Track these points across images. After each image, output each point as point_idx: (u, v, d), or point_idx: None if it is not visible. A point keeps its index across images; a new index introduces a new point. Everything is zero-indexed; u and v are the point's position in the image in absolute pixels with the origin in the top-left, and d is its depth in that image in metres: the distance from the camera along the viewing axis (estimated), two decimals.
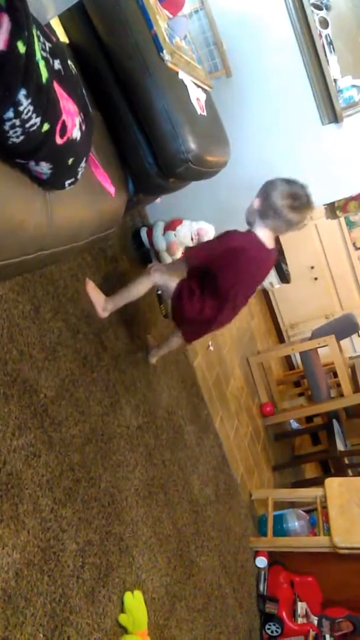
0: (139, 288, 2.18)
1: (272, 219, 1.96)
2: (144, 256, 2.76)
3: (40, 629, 1.37)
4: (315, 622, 2.77)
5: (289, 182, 1.95)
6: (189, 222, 2.70)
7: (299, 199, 1.91)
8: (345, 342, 4.87)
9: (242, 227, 2.85)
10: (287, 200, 1.90)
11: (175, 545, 2.18)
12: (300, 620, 2.74)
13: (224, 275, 2.05)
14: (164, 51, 1.75)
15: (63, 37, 1.72)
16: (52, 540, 1.50)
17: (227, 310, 2.16)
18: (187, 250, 2.26)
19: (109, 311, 2.09)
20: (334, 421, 4.56)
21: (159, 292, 2.63)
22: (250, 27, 2.61)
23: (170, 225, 2.69)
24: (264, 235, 2.02)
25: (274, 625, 2.68)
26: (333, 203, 3.69)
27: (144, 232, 2.71)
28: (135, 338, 2.43)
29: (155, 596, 1.94)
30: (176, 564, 2.14)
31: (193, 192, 2.60)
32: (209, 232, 2.71)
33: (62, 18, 1.66)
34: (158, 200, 2.58)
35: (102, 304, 2.06)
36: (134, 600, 1.77)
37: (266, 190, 1.95)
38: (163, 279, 2.19)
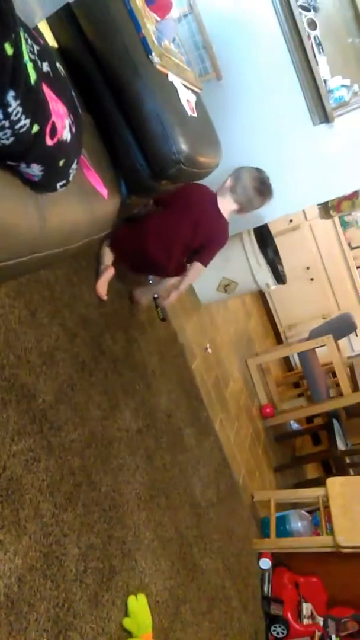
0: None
1: (239, 195, 2.23)
2: None
3: (44, 634, 1.37)
4: (321, 623, 2.75)
5: (259, 170, 2.26)
6: None
7: (265, 184, 2.23)
8: (343, 342, 4.88)
9: (238, 230, 2.87)
10: (255, 182, 2.21)
11: (178, 548, 2.17)
12: (305, 621, 2.73)
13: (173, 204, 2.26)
14: (153, 54, 1.76)
15: (52, 42, 1.73)
16: (54, 545, 1.50)
17: (160, 237, 2.27)
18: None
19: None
20: (334, 421, 4.55)
21: (156, 296, 2.64)
22: (240, 30, 2.63)
23: None
24: (224, 204, 2.27)
25: (280, 626, 2.66)
26: (326, 203, 3.70)
27: None
28: (132, 341, 2.42)
29: (159, 599, 1.93)
30: (179, 567, 2.13)
31: None
32: None
33: (51, 22, 1.67)
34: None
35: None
36: (138, 604, 1.76)
37: (239, 172, 2.22)
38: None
